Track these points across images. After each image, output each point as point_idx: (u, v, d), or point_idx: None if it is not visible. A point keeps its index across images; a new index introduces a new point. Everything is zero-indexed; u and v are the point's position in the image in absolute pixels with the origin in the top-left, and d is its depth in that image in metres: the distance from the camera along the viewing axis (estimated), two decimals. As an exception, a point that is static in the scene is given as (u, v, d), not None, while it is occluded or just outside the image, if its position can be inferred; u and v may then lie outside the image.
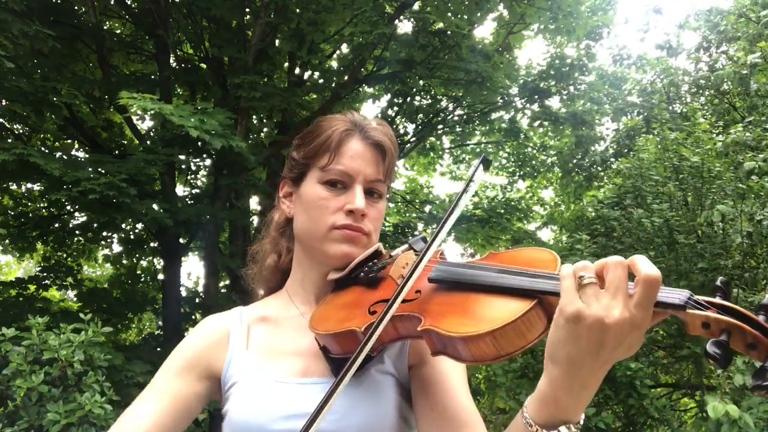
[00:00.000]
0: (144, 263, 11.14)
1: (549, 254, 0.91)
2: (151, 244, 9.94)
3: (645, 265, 0.73)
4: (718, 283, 0.77)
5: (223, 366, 1.13)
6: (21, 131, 8.67)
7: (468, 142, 12.68)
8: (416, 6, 8.88)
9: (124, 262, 10.97)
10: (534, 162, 12.85)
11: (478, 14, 9.62)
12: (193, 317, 9.06)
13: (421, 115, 11.03)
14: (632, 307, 0.73)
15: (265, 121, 10.48)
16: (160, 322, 10.50)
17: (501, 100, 10.50)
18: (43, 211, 9.58)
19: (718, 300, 0.74)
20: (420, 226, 11.78)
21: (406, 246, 1.13)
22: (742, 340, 0.71)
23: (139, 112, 9.52)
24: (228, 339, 1.15)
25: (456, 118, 11.18)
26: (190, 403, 1.10)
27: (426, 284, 0.97)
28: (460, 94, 10.27)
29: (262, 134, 10.62)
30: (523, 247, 0.97)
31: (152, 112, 5.78)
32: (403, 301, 0.96)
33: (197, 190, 10.16)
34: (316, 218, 1.12)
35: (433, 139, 12.03)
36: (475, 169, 1.04)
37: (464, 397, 1.04)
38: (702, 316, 0.72)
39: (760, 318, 0.72)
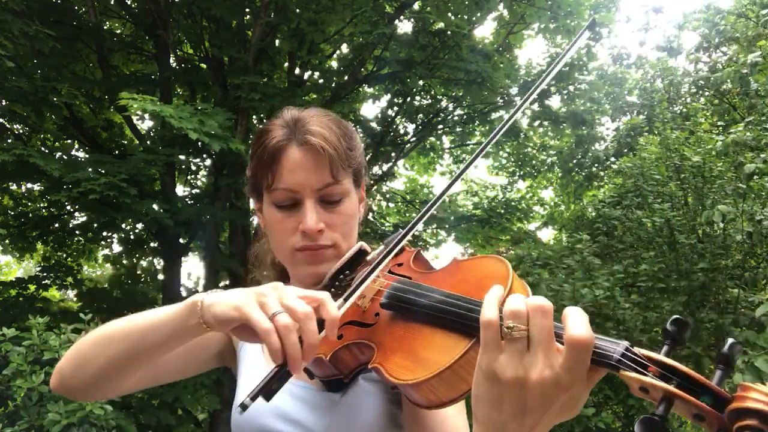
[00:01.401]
0: (144, 263, 11.15)
1: (502, 268, 0.83)
2: (151, 244, 9.94)
3: (573, 323, 0.61)
4: (668, 325, 0.63)
5: (239, 345, 1.17)
6: (21, 131, 8.67)
7: (468, 142, 12.67)
8: (416, 6, 8.89)
9: (124, 262, 10.97)
10: (534, 162, 12.84)
11: (478, 14, 9.62)
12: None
13: (421, 115, 11.03)
14: (558, 367, 0.61)
15: (265, 121, 10.49)
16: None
17: (501, 100, 10.50)
18: (43, 211, 9.58)
19: (660, 356, 0.61)
20: (420, 226, 11.75)
21: (382, 247, 1.08)
22: (686, 410, 0.59)
23: (138, 113, 9.52)
24: None
25: (456, 118, 11.19)
26: (207, 344, 1.14)
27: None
28: (460, 94, 10.27)
29: (262, 134, 10.62)
30: (482, 257, 0.90)
31: (152, 113, 5.77)
32: (362, 324, 0.95)
33: (197, 190, 10.17)
34: (279, 242, 1.09)
35: (433, 139, 12.03)
36: (583, 30, 1.01)
37: (450, 415, 0.97)
38: (637, 380, 0.60)
39: (717, 374, 0.59)
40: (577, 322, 0.61)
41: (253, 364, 1.11)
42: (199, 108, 6.42)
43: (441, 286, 0.88)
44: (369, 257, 1.08)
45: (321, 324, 0.78)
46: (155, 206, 7.21)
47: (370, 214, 11.27)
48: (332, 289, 1.06)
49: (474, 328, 0.73)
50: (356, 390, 1.02)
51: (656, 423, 0.57)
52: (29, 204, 9.73)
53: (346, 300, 0.85)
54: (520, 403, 0.63)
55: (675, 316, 0.64)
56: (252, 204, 1.21)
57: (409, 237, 0.98)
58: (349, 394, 1.02)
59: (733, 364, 0.60)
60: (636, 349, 0.62)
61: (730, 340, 0.60)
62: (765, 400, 0.56)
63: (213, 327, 0.86)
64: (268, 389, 0.76)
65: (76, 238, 9.85)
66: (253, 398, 0.75)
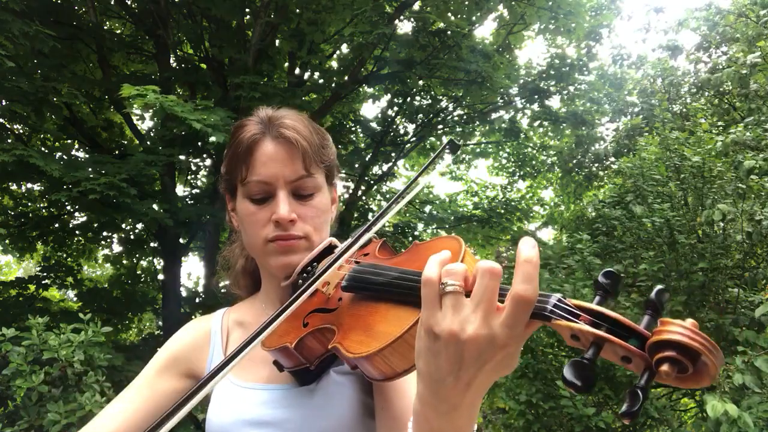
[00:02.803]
0: (144, 263, 11.15)
1: (455, 243, 0.83)
2: (151, 244, 9.94)
3: (520, 278, 0.62)
4: (599, 277, 0.65)
5: (205, 367, 1.16)
6: (21, 131, 8.67)
7: (468, 142, 12.68)
8: (416, 6, 8.89)
9: (124, 262, 10.97)
10: (534, 162, 12.85)
11: (478, 14, 9.62)
12: (193, 317, 9.04)
13: (421, 115, 11.03)
14: (497, 325, 0.63)
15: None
16: (160, 322, 10.51)
17: (501, 100, 10.50)
18: (43, 211, 9.58)
19: (590, 305, 0.63)
20: (420, 226, 11.78)
21: (350, 240, 1.09)
22: (614, 353, 0.61)
23: (138, 111, 9.52)
24: (209, 341, 1.19)
25: (456, 118, 11.19)
26: (169, 400, 1.12)
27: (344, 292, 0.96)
28: (460, 94, 10.27)
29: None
30: (440, 237, 0.90)
31: (157, 106, 5.74)
32: (326, 310, 0.97)
33: (197, 190, 10.17)
34: (251, 234, 1.10)
35: (433, 139, 12.04)
36: (440, 150, 1.00)
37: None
38: (568, 328, 0.61)
39: (645, 319, 0.61)
40: (522, 276, 0.62)
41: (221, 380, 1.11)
42: (200, 106, 6.42)
43: (396, 265, 0.90)
44: (337, 250, 1.09)
45: None
46: (155, 206, 7.21)
47: (370, 214, 11.26)
48: (300, 281, 1.08)
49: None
50: (328, 382, 1.02)
51: (586, 365, 0.58)
52: (29, 204, 9.73)
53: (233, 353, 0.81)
54: (456, 357, 0.64)
55: (607, 269, 0.65)
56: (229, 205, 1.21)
57: (366, 236, 0.99)
58: (321, 387, 1.02)
59: (661, 310, 0.62)
60: (568, 300, 0.64)
61: (658, 287, 0.62)
62: (681, 332, 0.57)
63: None
64: None
65: (76, 238, 9.84)
66: None
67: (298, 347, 0.96)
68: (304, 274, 1.08)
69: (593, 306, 0.63)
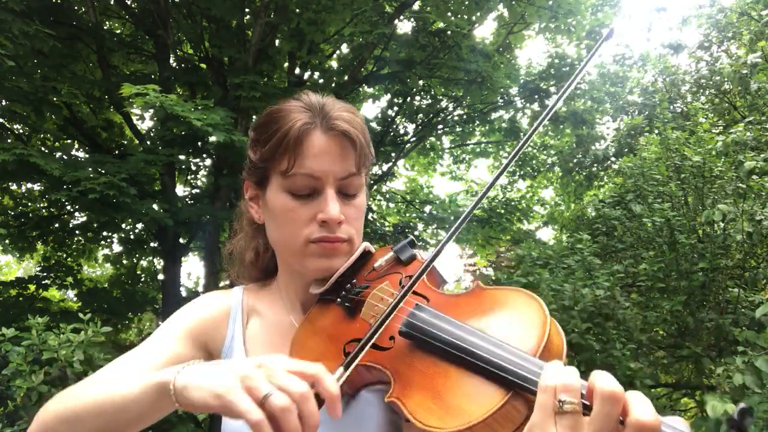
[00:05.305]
0: (144, 263, 11.15)
1: (536, 308, 0.78)
2: (151, 244, 9.94)
3: (638, 404, 0.61)
4: (734, 414, 0.63)
5: (221, 348, 1.10)
6: (21, 131, 8.67)
7: (468, 142, 12.67)
8: (416, 6, 8.88)
9: (124, 262, 10.97)
10: (534, 162, 12.84)
11: (478, 14, 9.62)
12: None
13: (421, 115, 11.03)
14: None
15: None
16: (160, 322, 10.47)
17: (501, 100, 10.50)
18: (43, 211, 9.58)
19: None
20: (420, 226, 11.77)
21: (391, 255, 1.02)
22: None
23: (138, 111, 9.52)
24: (227, 322, 1.12)
25: (456, 118, 11.19)
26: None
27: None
28: (460, 94, 10.27)
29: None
30: (510, 290, 0.84)
31: (157, 105, 5.74)
32: (377, 347, 0.89)
33: (197, 190, 10.16)
34: (288, 233, 1.00)
35: (433, 139, 12.03)
36: (601, 41, 0.95)
37: None
38: None
39: None
40: (645, 404, 0.61)
41: None
42: (200, 107, 6.42)
43: (465, 319, 0.81)
44: (376, 265, 1.03)
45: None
46: (155, 206, 7.21)
47: (370, 214, 11.26)
48: (338, 299, 1.02)
49: (512, 382, 0.70)
50: (359, 401, 0.97)
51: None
52: (29, 204, 9.73)
53: (347, 367, 0.77)
54: None
55: (742, 407, 0.63)
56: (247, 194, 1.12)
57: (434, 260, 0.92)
58: (352, 405, 0.97)
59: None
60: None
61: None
62: None
63: (189, 410, 0.79)
64: None
65: (76, 238, 9.84)
66: None
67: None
68: (343, 291, 1.01)
69: None
